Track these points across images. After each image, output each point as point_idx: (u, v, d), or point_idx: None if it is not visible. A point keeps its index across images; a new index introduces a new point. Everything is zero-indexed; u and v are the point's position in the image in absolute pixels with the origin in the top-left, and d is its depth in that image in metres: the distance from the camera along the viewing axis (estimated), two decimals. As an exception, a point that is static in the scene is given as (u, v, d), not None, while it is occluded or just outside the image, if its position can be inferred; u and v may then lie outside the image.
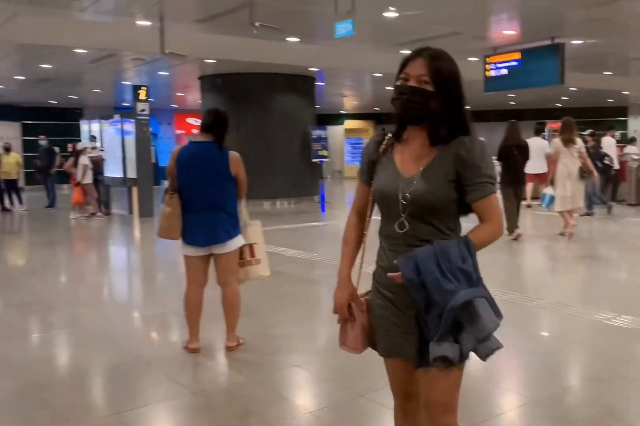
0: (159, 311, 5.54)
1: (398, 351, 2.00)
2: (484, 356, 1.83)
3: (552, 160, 8.80)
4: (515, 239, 8.60)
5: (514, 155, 8.51)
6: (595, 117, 22.18)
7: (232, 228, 4.21)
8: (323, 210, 14.17)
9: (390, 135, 2.04)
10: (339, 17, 7.99)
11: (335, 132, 26.54)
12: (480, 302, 1.78)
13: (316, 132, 14.92)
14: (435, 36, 10.13)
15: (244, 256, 4.38)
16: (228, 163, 4.17)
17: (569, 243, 8.58)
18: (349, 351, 2.15)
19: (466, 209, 1.95)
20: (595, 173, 8.99)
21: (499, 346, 1.82)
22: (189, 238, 4.17)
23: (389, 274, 1.87)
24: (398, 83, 1.94)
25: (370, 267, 2.08)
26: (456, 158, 1.89)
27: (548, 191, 8.73)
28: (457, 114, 1.93)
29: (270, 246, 4.54)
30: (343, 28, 8.00)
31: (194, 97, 17.92)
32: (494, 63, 11.15)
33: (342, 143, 26.48)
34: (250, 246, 4.40)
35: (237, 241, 4.23)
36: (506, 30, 10.18)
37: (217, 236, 4.15)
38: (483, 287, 1.84)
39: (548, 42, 10.41)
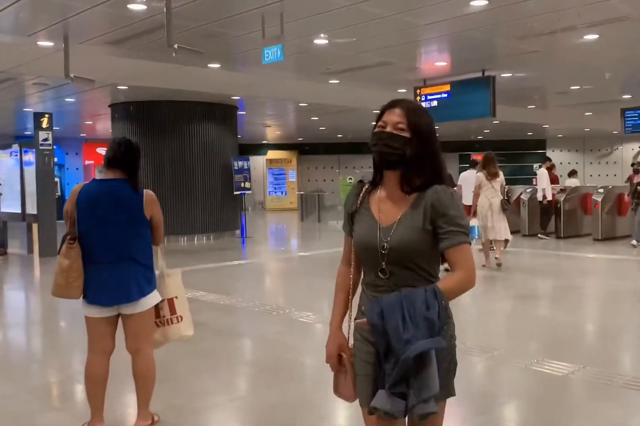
0: (58, 379, 4.61)
1: (367, 402, 1.94)
2: (418, 416, 1.80)
3: (475, 193, 9.16)
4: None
5: None
6: (516, 149, 22.74)
7: (147, 282, 3.45)
8: (244, 246, 13.41)
9: (367, 185, 2.12)
10: (267, 42, 7.40)
11: (258, 163, 25.94)
12: (431, 358, 1.78)
13: (238, 163, 14.17)
14: (365, 66, 9.74)
15: (162, 313, 3.62)
16: (142, 205, 3.41)
17: (493, 279, 8.27)
18: (342, 398, 2.16)
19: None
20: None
21: (434, 411, 1.80)
22: (92, 296, 3.38)
23: (355, 320, 1.96)
24: (376, 130, 2.02)
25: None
26: (431, 207, 1.95)
27: (473, 222, 8.87)
28: (432, 163, 2.01)
29: (187, 289, 3.78)
30: (271, 53, 7.40)
31: (104, 125, 16.83)
32: (425, 95, 10.88)
33: (265, 174, 25.84)
34: (170, 301, 3.64)
35: (152, 298, 3.47)
36: (436, 61, 9.90)
37: (127, 293, 3.37)
38: (439, 339, 1.81)
39: (479, 74, 10.23)
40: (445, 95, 10.57)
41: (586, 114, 16.89)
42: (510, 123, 17.18)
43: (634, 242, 11.57)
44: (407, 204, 1.99)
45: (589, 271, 9.67)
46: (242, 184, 14.15)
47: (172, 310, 3.64)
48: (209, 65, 10.02)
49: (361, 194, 2.10)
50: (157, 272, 3.59)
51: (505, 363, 4.68)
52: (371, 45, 8.62)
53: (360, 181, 2.16)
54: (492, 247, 9.35)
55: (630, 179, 18.15)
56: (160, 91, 11.97)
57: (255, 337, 5.71)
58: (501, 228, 9.00)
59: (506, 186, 9.53)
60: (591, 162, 24.05)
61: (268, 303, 7.01)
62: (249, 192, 14.72)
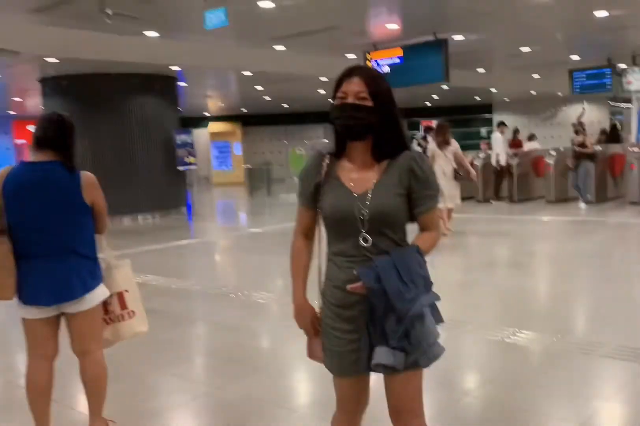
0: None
1: (353, 369, 2.04)
2: (429, 362, 1.96)
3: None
4: None
5: None
6: (463, 114, 22.64)
7: (91, 276, 3.03)
8: (192, 224, 12.90)
9: (328, 156, 2.09)
10: (209, 5, 6.87)
11: (200, 136, 25.12)
12: (427, 310, 1.93)
13: (181, 137, 13.53)
14: (312, 31, 9.27)
15: (111, 309, 3.21)
16: (80, 189, 2.97)
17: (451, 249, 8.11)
18: (317, 361, 2.18)
19: (411, 220, 2.05)
20: (473, 172, 9.40)
21: (443, 351, 1.97)
22: (28, 295, 2.95)
23: (349, 285, 1.92)
24: (336, 102, 1.99)
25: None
26: (409, 173, 1.98)
27: None
28: (398, 130, 2.03)
29: (135, 273, 3.37)
30: (214, 18, 6.88)
31: (35, 102, 15.83)
32: (375, 60, 10.49)
33: (208, 148, 25.08)
34: (120, 295, 3.24)
35: (99, 293, 3.06)
36: (386, 23, 9.48)
37: (69, 290, 2.95)
38: (433, 292, 1.97)
39: (430, 37, 9.90)
40: (398, 60, 10.22)
41: (534, 76, 16.81)
42: (459, 88, 16.94)
43: (582, 205, 11.66)
44: (379, 171, 2.00)
45: (546, 234, 9.59)
46: (186, 159, 13.56)
47: (123, 305, 3.23)
48: (145, 33, 9.37)
49: (324, 165, 2.06)
50: (103, 264, 3.18)
51: (480, 337, 4.45)
52: (318, 8, 8.16)
53: (320, 153, 2.12)
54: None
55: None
56: (94, 63, 11.19)
57: (215, 324, 5.31)
58: (452, 196, 9.16)
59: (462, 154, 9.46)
60: (537, 125, 24.17)
61: (224, 284, 6.61)
62: (194, 167, 14.14)
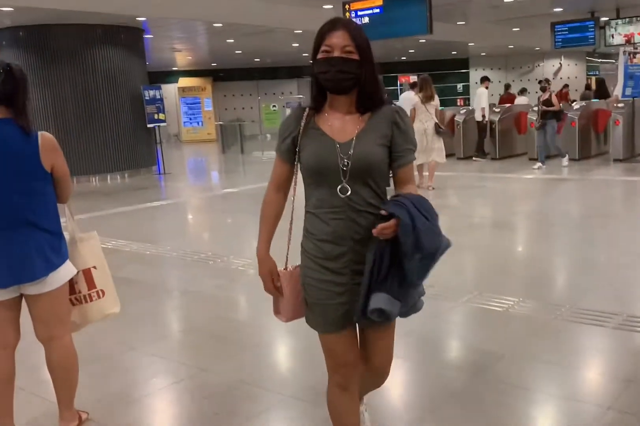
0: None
1: (342, 323, 2.04)
2: (413, 313, 2.04)
3: (410, 117, 9.03)
4: None
5: None
6: (439, 69, 22.14)
7: (54, 252, 2.65)
8: (163, 184, 12.40)
9: (308, 109, 2.07)
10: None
11: (169, 92, 24.22)
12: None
13: (149, 93, 12.85)
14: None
15: (78, 288, 2.86)
16: (38, 152, 2.57)
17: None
18: (281, 319, 2.22)
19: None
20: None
21: (422, 305, 2.06)
22: (-21, 276, 2.56)
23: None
24: (320, 56, 1.96)
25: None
26: (393, 125, 2.01)
27: None
28: (379, 83, 2.04)
29: (105, 239, 2.99)
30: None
31: (-7, 54, 14.91)
32: (355, 10, 9.92)
33: (178, 103, 24.22)
34: (87, 273, 2.88)
35: (64, 272, 2.70)
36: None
37: (29, 268, 2.59)
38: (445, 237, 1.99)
39: (413, -14, 9.38)
40: (378, 10, 9.68)
41: (514, 29, 16.33)
42: (437, 42, 16.44)
43: (538, 165, 11.17)
44: (362, 122, 2.00)
45: (530, 193, 9.36)
46: (156, 116, 12.92)
47: (91, 284, 2.87)
48: (107, -22, 8.65)
49: (304, 118, 2.03)
50: (67, 237, 2.78)
51: (485, 307, 4.18)
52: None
53: (300, 106, 2.10)
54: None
55: (557, 94, 18.05)
56: (54, 12, 10.44)
57: (193, 294, 4.94)
58: (433, 151, 9.07)
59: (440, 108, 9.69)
60: (513, 80, 23.79)
61: (200, 250, 6.23)
62: (164, 124, 13.51)
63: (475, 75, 24.18)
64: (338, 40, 1.92)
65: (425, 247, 1.85)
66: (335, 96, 2.00)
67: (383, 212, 1.89)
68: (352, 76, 1.93)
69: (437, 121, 9.06)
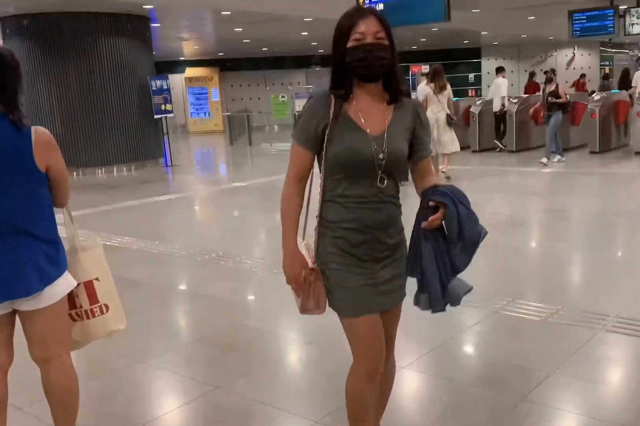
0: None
1: (376, 304, 2.07)
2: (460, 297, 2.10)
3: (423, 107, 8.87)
4: None
5: None
6: (450, 59, 21.71)
7: (51, 262, 2.36)
8: (171, 177, 12.10)
9: (334, 96, 2.00)
10: None
11: (176, 82, 23.86)
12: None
13: (156, 83, 12.50)
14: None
15: (78, 303, 2.55)
16: (31, 150, 2.25)
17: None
18: (313, 314, 2.16)
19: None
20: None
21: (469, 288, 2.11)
22: (-32, 290, 2.27)
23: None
24: (354, 44, 1.93)
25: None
26: (417, 117, 2.06)
27: None
28: (400, 69, 2.05)
29: (111, 235, 2.69)
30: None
31: (-4, 43, 14.60)
32: (369, -3, 9.54)
33: (185, 94, 23.87)
34: (89, 286, 2.57)
35: (63, 284, 2.40)
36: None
37: (24, 282, 2.30)
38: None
39: (430, -30, 8.97)
40: (393, -4, 9.28)
41: (529, 18, 15.86)
42: (450, 30, 16.01)
43: (544, 160, 10.51)
44: (390, 113, 2.02)
45: (554, 188, 8.99)
46: (163, 107, 12.58)
47: (93, 298, 2.56)
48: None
49: (332, 106, 1.98)
50: (66, 246, 2.48)
51: (519, 316, 3.85)
52: None
53: (326, 92, 2.03)
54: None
55: (574, 84, 17.61)
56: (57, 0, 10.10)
57: (205, 299, 4.62)
58: (447, 142, 8.99)
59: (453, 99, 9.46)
60: (526, 70, 23.32)
61: (210, 249, 5.91)
62: (171, 115, 13.17)
63: (487, 64, 23.74)
64: (369, 26, 1.91)
65: (466, 235, 1.93)
66: (364, 85, 1.99)
67: (432, 203, 1.93)
68: (388, 62, 1.94)
69: (449, 112, 8.95)
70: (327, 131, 1.97)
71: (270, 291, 4.61)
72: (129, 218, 7.84)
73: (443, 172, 9.09)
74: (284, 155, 13.65)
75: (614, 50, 24.19)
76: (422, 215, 1.96)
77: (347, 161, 1.97)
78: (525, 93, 14.66)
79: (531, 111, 11.59)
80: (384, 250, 2.04)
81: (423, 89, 9.16)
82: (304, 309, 2.15)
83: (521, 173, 10.19)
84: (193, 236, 6.78)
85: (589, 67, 22.72)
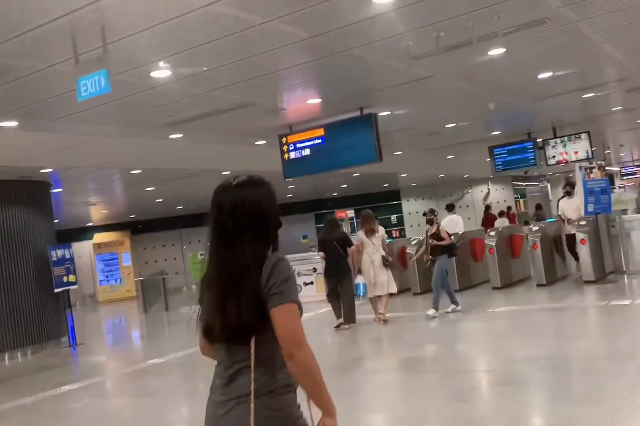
0: None
1: None
2: None
3: (357, 251, 9.34)
4: (337, 327, 9.11)
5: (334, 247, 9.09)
6: (371, 203, 21.57)
7: None
8: (76, 360, 10.23)
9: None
10: (83, 69, 4.96)
11: (83, 249, 22.32)
12: None
13: (57, 253, 11.01)
14: (217, 110, 7.53)
15: None
16: None
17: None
18: None
19: None
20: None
21: None
22: None
23: None
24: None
25: None
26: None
27: (359, 279, 9.38)
28: None
29: None
30: (91, 85, 4.93)
31: None
32: (293, 143, 8.87)
33: (93, 261, 22.25)
34: None
35: None
36: (306, 99, 7.85)
37: None
38: None
39: (357, 113, 8.44)
40: (319, 140, 8.64)
41: (448, 157, 15.90)
42: (370, 174, 15.74)
43: (431, 312, 9.10)
44: None
45: (516, 330, 7.87)
46: (65, 278, 11.00)
47: None
48: (1, 124, 7.23)
49: None
50: None
51: None
52: (226, 79, 6.46)
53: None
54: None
55: (506, 216, 17.73)
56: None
57: None
58: (383, 283, 9.14)
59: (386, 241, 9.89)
60: (444, 208, 23.62)
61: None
62: (75, 286, 11.54)
63: (407, 206, 24.03)
64: None
65: None
66: None
67: None
68: None
69: (383, 254, 9.20)
70: None
71: None
72: (19, 424, 5.99)
73: (380, 313, 9.22)
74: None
75: (524, 183, 25.02)
76: None
77: None
78: (483, 226, 14.96)
79: (413, 258, 10.60)
80: None
81: (357, 234, 9.62)
82: None
83: (471, 316, 9.14)
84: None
85: (504, 201, 23.20)
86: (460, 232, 12.27)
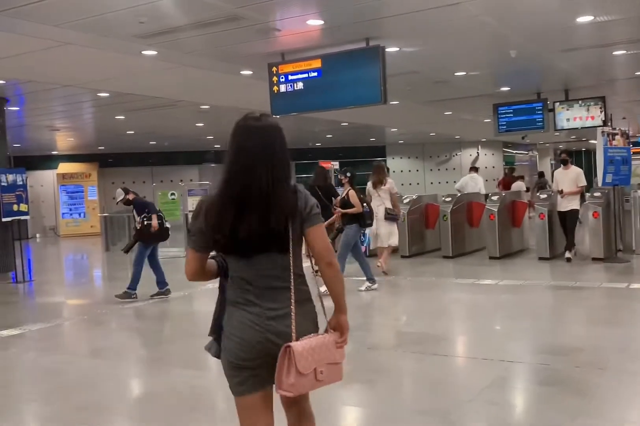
0: None
1: None
2: None
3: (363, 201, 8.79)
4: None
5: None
6: (354, 157, 20.54)
7: None
8: (27, 298, 9.24)
9: None
10: None
11: (46, 179, 21.04)
12: None
13: (7, 178, 9.85)
14: (202, 22, 6.35)
15: None
16: None
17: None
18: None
19: None
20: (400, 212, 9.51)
21: None
22: None
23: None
24: None
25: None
26: None
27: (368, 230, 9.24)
28: None
29: None
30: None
31: None
32: (285, 74, 7.73)
33: (56, 192, 21.00)
34: None
35: None
36: (300, 20, 6.72)
37: None
38: None
39: (362, 44, 7.31)
40: (315, 73, 7.51)
41: (445, 113, 14.81)
42: (358, 126, 14.65)
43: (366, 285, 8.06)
44: None
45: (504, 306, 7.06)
46: (15, 207, 9.89)
47: None
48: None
49: None
50: None
51: None
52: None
53: None
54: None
55: (499, 183, 17.09)
56: None
57: None
58: (383, 235, 9.03)
59: (397, 193, 9.73)
60: (431, 169, 22.65)
61: None
62: (26, 217, 10.43)
63: (392, 163, 22.80)
64: None
65: None
66: None
67: None
68: None
69: (387, 206, 9.04)
70: None
71: None
72: None
73: (378, 266, 9.05)
74: (174, 263, 10.91)
75: (514, 151, 24.16)
76: None
77: None
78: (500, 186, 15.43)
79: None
80: None
81: (367, 186, 9.42)
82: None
83: (460, 286, 8.31)
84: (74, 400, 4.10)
85: (493, 167, 22.36)
86: (482, 192, 12.50)
